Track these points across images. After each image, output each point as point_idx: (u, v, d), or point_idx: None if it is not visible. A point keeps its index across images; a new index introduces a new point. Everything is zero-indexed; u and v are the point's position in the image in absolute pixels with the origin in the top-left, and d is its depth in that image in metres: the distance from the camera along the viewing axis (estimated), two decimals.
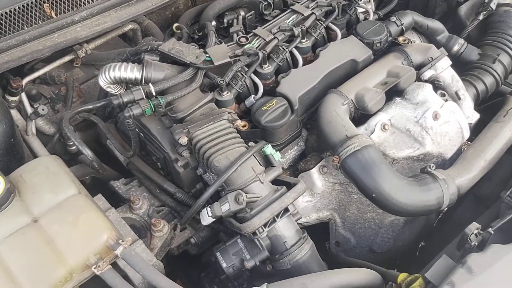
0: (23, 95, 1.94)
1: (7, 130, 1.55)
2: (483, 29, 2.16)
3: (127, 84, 1.73)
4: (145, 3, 1.68)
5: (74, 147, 2.00)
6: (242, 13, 2.25)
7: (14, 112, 1.91)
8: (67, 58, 2.02)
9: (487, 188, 1.87)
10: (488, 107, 1.99)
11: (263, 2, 1.94)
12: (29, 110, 1.95)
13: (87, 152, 1.66)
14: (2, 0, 1.60)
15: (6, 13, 1.58)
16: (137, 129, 1.68)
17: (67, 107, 2.07)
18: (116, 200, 1.79)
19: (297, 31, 1.76)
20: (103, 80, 1.67)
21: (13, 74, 1.89)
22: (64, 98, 2.08)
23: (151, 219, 1.64)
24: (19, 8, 1.60)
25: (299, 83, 1.67)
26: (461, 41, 2.03)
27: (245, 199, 1.42)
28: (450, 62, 1.80)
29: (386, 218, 1.78)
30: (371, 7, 2.20)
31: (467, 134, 1.73)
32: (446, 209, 1.72)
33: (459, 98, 1.77)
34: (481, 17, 2.10)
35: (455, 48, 2.03)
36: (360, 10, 2.08)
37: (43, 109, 1.79)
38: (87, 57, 2.08)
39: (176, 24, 2.06)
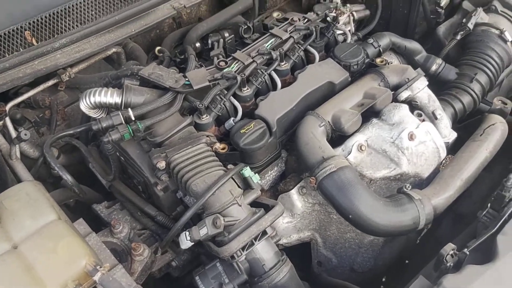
0: (7, 119, 1.95)
1: None
2: (461, 49, 2.20)
3: (108, 108, 1.75)
4: (125, 29, 1.72)
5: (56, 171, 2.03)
6: (226, 34, 2.29)
7: None
8: (51, 83, 2.04)
9: (467, 206, 1.89)
10: (467, 126, 2.02)
11: (242, 26, 1.97)
12: (13, 134, 1.96)
13: (67, 177, 1.67)
14: None
15: None
16: (117, 153, 1.70)
17: (51, 130, 2.09)
18: (99, 223, 1.80)
19: (275, 54, 1.79)
20: (84, 105, 1.69)
21: None
22: (48, 122, 2.10)
23: (131, 243, 1.65)
24: (0, 35, 1.62)
25: (277, 105, 1.70)
26: (439, 60, 2.07)
27: (223, 223, 1.43)
28: (427, 83, 1.83)
29: (365, 238, 1.79)
30: (350, 28, 2.25)
31: (443, 154, 1.75)
32: (427, 227, 1.75)
33: (436, 118, 1.80)
34: (458, 36, 2.14)
35: (433, 67, 2.06)
36: (338, 32, 2.13)
37: (25, 134, 1.80)
38: (71, 80, 2.10)
39: (158, 48, 2.10)
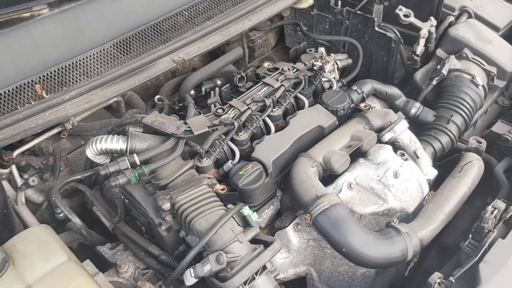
0: (13, 166, 2.04)
1: (0, 201, 1.65)
2: (437, 93, 2.39)
3: (112, 154, 1.87)
4: (129, 82, 1.85)
5: (61, 215, 2.10)
6: (219, 82, 2.46)
7: (5, 183, 2.02)
8: (55, 131, 2.13)
9: (451, 238, 2.02)
10: (446, 163, 2.18)
11: (236, 75, 2.13)
12: (19, 180, 2.05)
13: (76, 220, 1.76)
14: None
15: (1, 94, 1.73)
16: (122, 196, 1.80)
17: (54, 176, 2.18)
18: (103, 265, 1.87)
19: (268, 101, 1.94)
20: (91, 152, 1.80)
21: (4, 148, 2.02)
22: (52, 168, 2.20)
23: (137, 282, 1.73)
24: (13, 89, 1.74)
25: (272, 148, 1.83)
26: (418, 104, 2.25)
27: (226, 259, 1.53)
28: (407, 125, 2.00)
29: (358, 271, 1.90)
30: (335, 76, 2.44)
31: (426, 190, 1.89)
32: (414, 259, 1.86)
33: (417, 157, 1.95)
34: (434, 82, 2.33)
35: (412, 111, 2.24)
36: (324, 79, 2.30)
37: (33, 181, 1.91)
38: (73, 128, 2.21)
39: (157, 96, 2.24)
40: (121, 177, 1.67)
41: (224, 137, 1.85)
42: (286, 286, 1.85)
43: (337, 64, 2.45)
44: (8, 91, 1.75)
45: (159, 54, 1.93)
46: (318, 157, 1.81)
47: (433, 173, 1.98)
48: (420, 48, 2.47)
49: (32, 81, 1.80)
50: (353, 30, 2.66)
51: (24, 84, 1.79)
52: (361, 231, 1.64)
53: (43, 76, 1.83)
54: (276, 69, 2.21)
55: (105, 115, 2.46)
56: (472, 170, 1.96)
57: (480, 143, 2.11)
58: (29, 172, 2.13)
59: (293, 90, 2.07)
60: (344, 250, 1.62)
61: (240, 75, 2.13)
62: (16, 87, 1.77)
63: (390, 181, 1.79)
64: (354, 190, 1.80)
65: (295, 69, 2.16)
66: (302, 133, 1.89)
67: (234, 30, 2.11)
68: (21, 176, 2.10)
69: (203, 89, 2.44)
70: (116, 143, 1.78)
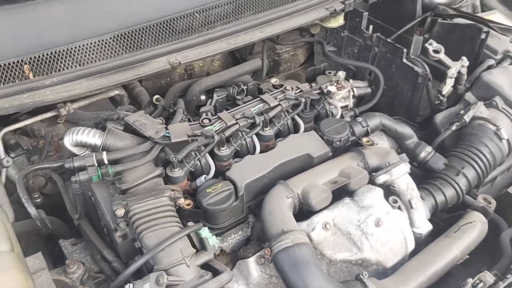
0: (0, 144, 2.02)
1: None
2: (457, 140, 2.17)
3: (91, 148, 1.80)
4: (117, 76, 1.78)
5: (38, 200, 2.08)
6: (232, 91, 2.34)
7: None
8: (49, 114, 2.11)
9: None
10: (449, 220, 1.96)
11: (236, 87, 2.01)
12: (2, 157, 2.03)
13: (31, 209, 1.70)
14: None
15: None
16: (89, 193, 1.73)
17: (41, 159, 2.15)
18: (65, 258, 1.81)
19: (258, 119, 1.82)
20: (68, 142, 1.74)
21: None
22: (40, 151, 2.17)
23: (83, 285, 1.65)
24: (1, 65, 1.72)
25: (249, 170, 1.71)
26: (429, 148, 2.05)
27: (166, 282, 1.42)
28: (408, 170, 1.80)
29: None
30: (348, 103, 2.27)
31: (411, 246, 1.69)
32: None
33: (411, 207, 1.75)
34: (453, 127, 2.11)
35: (422, 155, 2.04)
36: (332, 106, 2.15)
37: (7, 161, 1.89)
38: (71, 115, 2.18)
39: (156, 96, 2.16)
40: (83, 173, 1.60)
41: (203, 148, 1.74)
42: None
43: (353, 91, 2.28)
44: None
45: (155, 53, 1.84)
46: (296, 188, 1.67)
47: (426, 227, 1.78)
48: (447, 88, 2.26)
49: (22, 60, 1.76)
50: (381, 58, 2.48)
51: (13, 62, 1.75)
52: (322, 278, 1.47)
53: (35, 57, 1.79)
54: (282, 86, 2.07)
55: (108, 107, 2.41)
56: (470, 232, 1.74)
57: (490, 203, 1.88)
58: (16, 152, 2.12)
59: (291, 111, 1.93)
60: None
61: (239, 88, 2.01)
62: (5, 64, 1.74)
63: (370, 229, 1.62)
64: (330, 231, 1.63)
65: (299, 90, 2.02)
66: (287, 159, 1.75)
67: (241, 40, 2.00)
68: (8, 154, 2.09)
69: (214, 96, 2.35)
70: (92, 137, 1.72)
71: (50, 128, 2.19)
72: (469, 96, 2.27)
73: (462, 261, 2.41)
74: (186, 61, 1.88)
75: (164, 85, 2.62)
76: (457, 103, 2.33)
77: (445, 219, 1.99)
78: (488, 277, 1.50)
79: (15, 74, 1.75)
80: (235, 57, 2.89)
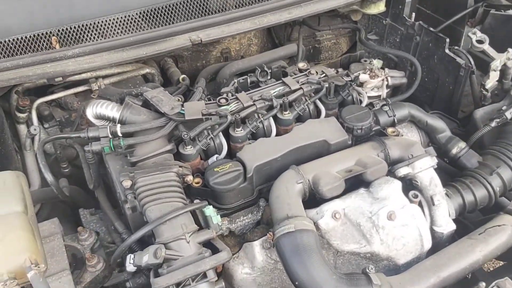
0: (34, 113, 2.10)
1: None
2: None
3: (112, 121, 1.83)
4: (138, 51, 1.79)
5: (67, 170, 2.15)
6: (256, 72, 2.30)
7: (23, 127, 2.10)
8: (81, 88, 2.19)
9: None
10: (482, 221, 1.82)
11: (259, 69, 1.97)
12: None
13: (48, 175, 1.74)
14: (19, 27, 1.79)
15: (17, 39, 1.77)
16: (106, 164, 1.76)
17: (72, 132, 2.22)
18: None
19: (276, 102, 1.76)
20: (90, 113, 1.79)
21: (36, 94, 2.10)
22: (72, 124, 2.24)
23: (94, 253, 1.68)
24: (30, 36, 1.78)
25: (261, 152, 1.66)
26: (462, 144, 1.91)
27: (163, 255, 1.41)
28: (433, 164, 1.68)
29: None
30: (382, 93, 2.17)
31: (427, 244, 1.58)
32: None
33: (433, 204, 1.64)
34: (493, 124, 1.95)
35: (454, 150, 1.91)
36: (371, 94, 2.06)
37: (34, 129, 1.96)
38: (104, 90, 2.24)
39: (182, 76, 2.17)
40: (96, 144, 1.63)
41: (217, 128, 1.72)
42: None
43: (387, 80, 2.17)
44: (26, 37, 1.78)
45: (177, 29, 1.83)
46: (308, 174, 1.60)
47: (449, 227, 1.65)
48: (490, 83, 2.09)
49: (51, 32, 1.82)
50: (423, 48, 2.35)
51: (43, 33, 1.82)
52: (323, 268, 1.41)
53: (63, 30, 1.84)
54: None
55: (141, 85, 2.45)
56: (498, 236, 1.60)
57: None
58: (50, 123, 2.20)
59: (313, 95, 1.86)
60: (297, 283, 1.41)
61: (262, 69, 1.97)
62: (34, 35, 1.80)
63: (381, 222, 1.53)
64: (339, 221, 1.56)
65: (324, 75, 1.94)
66: (302, 144, 1.69)
67: (268, 20, 1.94)
68: (42, 124, 2.17)
69: (248, 79, 2.32)
70: (111, 110, 1.75)
71: (83, 102, 2.26)
72: None
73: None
74: (208, 39, 1.86)
75: (200, 67, 2.62)
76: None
77: (477, 221, 1.85)
78: (508, 284, 1.37)
79: (42, 45, 1.81)
80: (274, 42, 2.84)
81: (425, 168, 1.67)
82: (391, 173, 1.68)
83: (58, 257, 1.61)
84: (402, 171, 1.66)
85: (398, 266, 1.57)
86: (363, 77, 2.11)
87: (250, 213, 1.71)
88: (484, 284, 1.40)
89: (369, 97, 2.11)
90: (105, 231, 1.83)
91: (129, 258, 1.47)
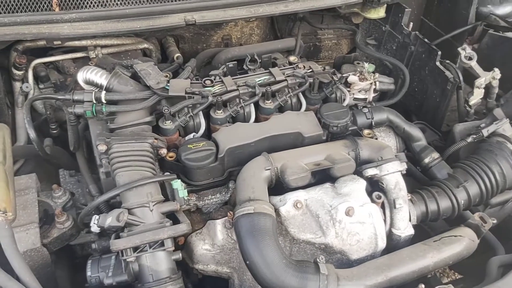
0: (30, 72, 2.17)
1: None
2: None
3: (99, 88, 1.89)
4: (132, 23, 1.85)
5: (55, 131, 2.22)
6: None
7: (18, 84, 2.17)
8: (79, 54, 2.25)
9: None
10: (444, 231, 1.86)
11: (249, 57, 2.02)
12: (31, 85, 2.18)
13: (31, 132, 1.81)
14: None
15: None
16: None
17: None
18: None
19: (258, 90, 1.82)
20: (80, 77, 1.85)
21: (36, 55, 2.16)
22: (66, 87, 2.31)
23: (65, 211, 1.75)
24: None
25: (235, 136, 1.72)
26: (435, 155, 1.95)
27: (125, 219, 1.48)
28: (401, 169, 1.73)
29: None
30: (368, 97, 2.21)
31: (382, 243, 1.63)
32: None
33: (395, 207, 1.68)
34: (469, 139, 1.99)
35: (426, 160, 1.95)
36: (358, 96, 2.11)
37: (27, 87, 2.03)
38: (102, 60, 2.30)
39: (177, 55, 2.23)
40: (78, 107, 1.69)
41: (198, 107, 1.78)
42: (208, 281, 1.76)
43: (375, 85, 2.21)
44: None
45: (174, 7, 1.89)
46: (277, 162, 1.66)
47: (407, 231, 1.70)
48: (475, 99, 2.13)
49: None
50: (416, 58, 2.38)
51: None
52: (274, 251, 1.46)
53: None
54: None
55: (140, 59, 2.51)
56: (453, 246, 1.64)
57: (485, 222, 1.76)
58: (46, 84, 2.27)
59: (297, 89, 1.91)
60: (248, 262, 1.47)
61: (251, 57, 2.02)
62: None
63: (339, 216, 1.58)
64: (300, 210, 1.61)
65: (311, 70, 1.98)
66: (277, 133, 1.74)
67: (263, 10, 1.99)
68: (37, 84, 2.24)
69: (244, 66, 2.37)
70: (100, 77, 1.81)
71: (80, 68, 2.32)
72: (498, 112, 2.12)
73: (455, 278, 2.30)
74: (202, 21, 1.91)
75: (200, 50, 2.67)
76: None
77: (440, 231, 1.89)
78: None
79: (43, 6, 1.86)
80: (276, 35, 2.89)
81: (391, 172, 1.72)
82: (359, 172, 1.73)
83: (30, 210, 1.68)
84: (370, 171, 1.71)
85: (350, 261, 1.63)
86: (352, 78, 2.15)
87: (219, 193, 1.77)
88: (423, 286, 1.45)
89: (355, 99, 2.17)
90: (81, 193, 1.90)
91: (94, 219, 1.54)
